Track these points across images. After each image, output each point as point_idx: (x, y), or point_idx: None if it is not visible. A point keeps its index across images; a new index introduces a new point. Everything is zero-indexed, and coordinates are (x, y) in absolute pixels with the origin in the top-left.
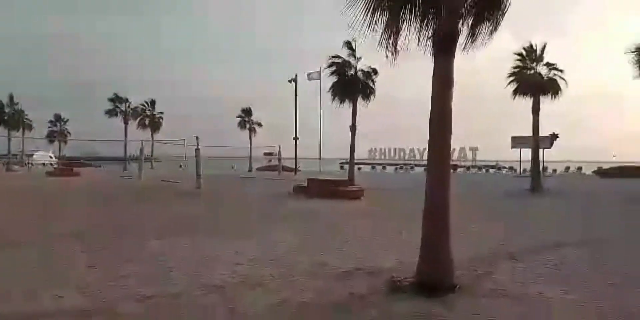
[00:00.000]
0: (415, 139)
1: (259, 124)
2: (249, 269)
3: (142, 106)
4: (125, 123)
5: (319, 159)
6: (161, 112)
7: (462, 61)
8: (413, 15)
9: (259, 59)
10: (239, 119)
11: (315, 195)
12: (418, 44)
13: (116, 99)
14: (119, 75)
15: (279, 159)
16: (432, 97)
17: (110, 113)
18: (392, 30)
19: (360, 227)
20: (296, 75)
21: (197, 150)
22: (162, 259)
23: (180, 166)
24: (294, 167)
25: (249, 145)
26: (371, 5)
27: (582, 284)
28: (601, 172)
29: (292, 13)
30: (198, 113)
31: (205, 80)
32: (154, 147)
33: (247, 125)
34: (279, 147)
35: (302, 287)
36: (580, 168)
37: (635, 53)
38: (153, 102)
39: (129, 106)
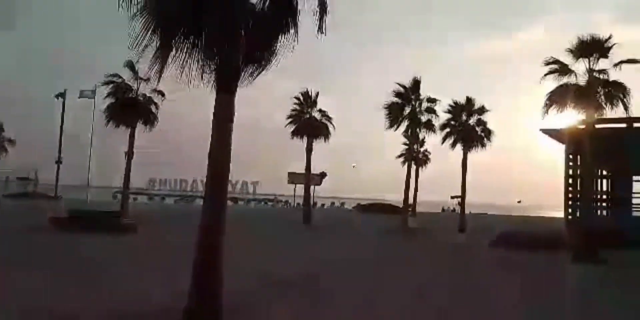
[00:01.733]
0: (200, 170)
1: (10, 141)
2: None
3: None
4: None
5: (88, 186)
6: None
7: (246, 95)
8: (191, 45)
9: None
10: None
11: (79, 228)
12: (202, 77)
13: None
14: None
15: (36, 185)
16: (212, 129)
17: None
18: (165, 55)
19: (129, 264)
20: (65, 91)
21: None
22: None
23: None
24: (54, 194)
25: None
26: (150, 26)
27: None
28: (360, 208)
29: (68, 24)
30: None
31: None
32: None
33: None
34: (36, 172)
35: None
36: (343, 203)
37: (386, 109)
38: None
39: None
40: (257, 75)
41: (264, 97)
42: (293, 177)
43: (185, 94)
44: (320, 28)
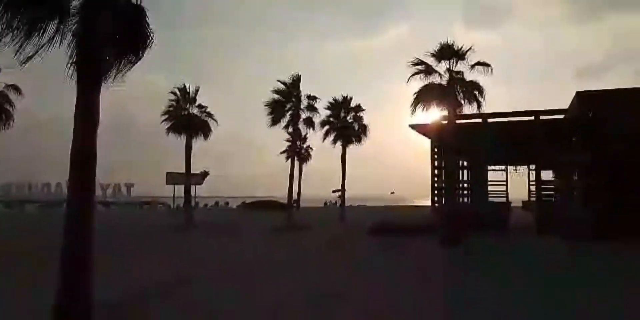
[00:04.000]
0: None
1: None
2: None
3: None
4: None
5: None
6: None
7: (118, 92)
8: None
9: None
10: None
11: None
12: (66, 66)
13: None
14: None
15: None
16: (74, 128)
17: None
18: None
19: None
20: None
21: None
22: None
23: None
24: None
25: None
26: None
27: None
28: (246, 206)
29: None
30: None
31: None
32: None
33: None
34: None
35: None
36: (227, 203)
37: (267, 106)
38: None
39: None
40: (129, 69)
41: (140, 95)
42: (172, 178)
43: (44, 89)
44: None
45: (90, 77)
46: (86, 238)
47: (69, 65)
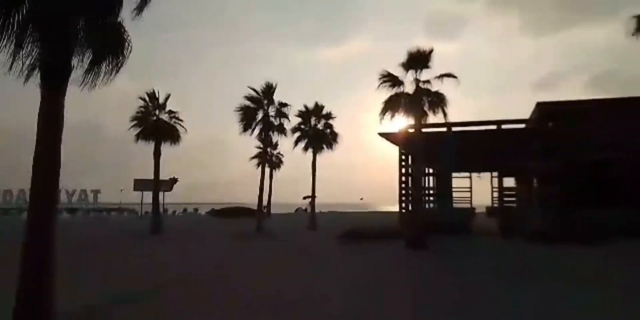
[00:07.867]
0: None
1: None
2: None
3: None
4: None
5: None
6: None
7: (84, 98)
8: (8, 37)
9: None
10: None
11: None
12: (21, 72)
13: None
14: None
15: None
16: (37, 135)
17: None
18: None
19: None
20: None
21: None
22: None
23: None
24: None
25: None
26: None
27: None
28: (215, 212)
29: None
30: None
31: None
32: None
33: None
34: None
35: None
36: (196, 209)
37: (240, 112)
38: None
39: None
40: (111, 75)
41: (109, 100)
42: (140, 184)
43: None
44: (140, 9)
45: (54, 82)
46: (48, 246)
47: (30, 70)
